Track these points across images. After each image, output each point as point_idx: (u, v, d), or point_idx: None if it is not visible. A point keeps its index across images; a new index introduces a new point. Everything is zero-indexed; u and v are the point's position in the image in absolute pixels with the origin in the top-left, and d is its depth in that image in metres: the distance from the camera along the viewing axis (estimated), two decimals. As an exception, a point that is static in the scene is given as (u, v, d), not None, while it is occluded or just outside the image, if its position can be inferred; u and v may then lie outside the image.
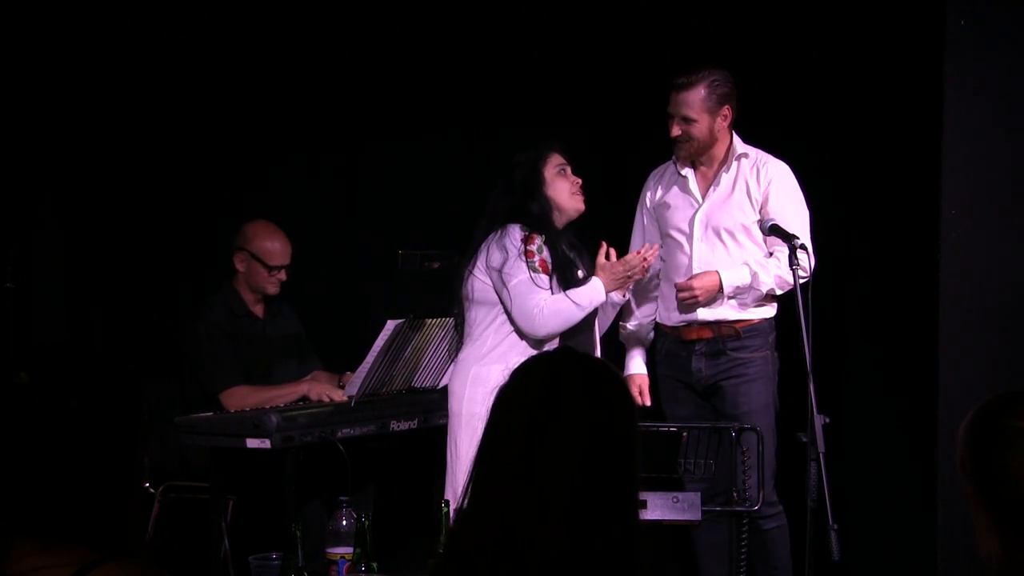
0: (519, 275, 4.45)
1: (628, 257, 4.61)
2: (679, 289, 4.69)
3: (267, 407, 4.78)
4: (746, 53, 5.41)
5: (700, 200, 4.80)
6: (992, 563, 1.87)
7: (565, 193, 4.61)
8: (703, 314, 4.72)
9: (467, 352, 4.59)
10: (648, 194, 4.95)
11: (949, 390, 4.71)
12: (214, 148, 5.77)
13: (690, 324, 4.77)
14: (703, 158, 4.80)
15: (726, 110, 4.76)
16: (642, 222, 4.96)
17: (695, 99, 4.72)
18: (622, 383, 1.87)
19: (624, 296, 4.72)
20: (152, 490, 4.92)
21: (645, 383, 4.91)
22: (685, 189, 4.83)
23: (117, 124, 5.57)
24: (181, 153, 5.72)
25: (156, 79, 5.61)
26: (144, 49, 5.56)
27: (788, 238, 4.40)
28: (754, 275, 4.70)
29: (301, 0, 5.81)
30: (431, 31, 5.80)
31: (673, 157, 4.87)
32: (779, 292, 4.73)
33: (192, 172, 5.76)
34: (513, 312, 4.48)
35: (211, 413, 4.77)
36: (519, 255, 4.47)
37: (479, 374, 4.50)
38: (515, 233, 4.51)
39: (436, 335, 4.81)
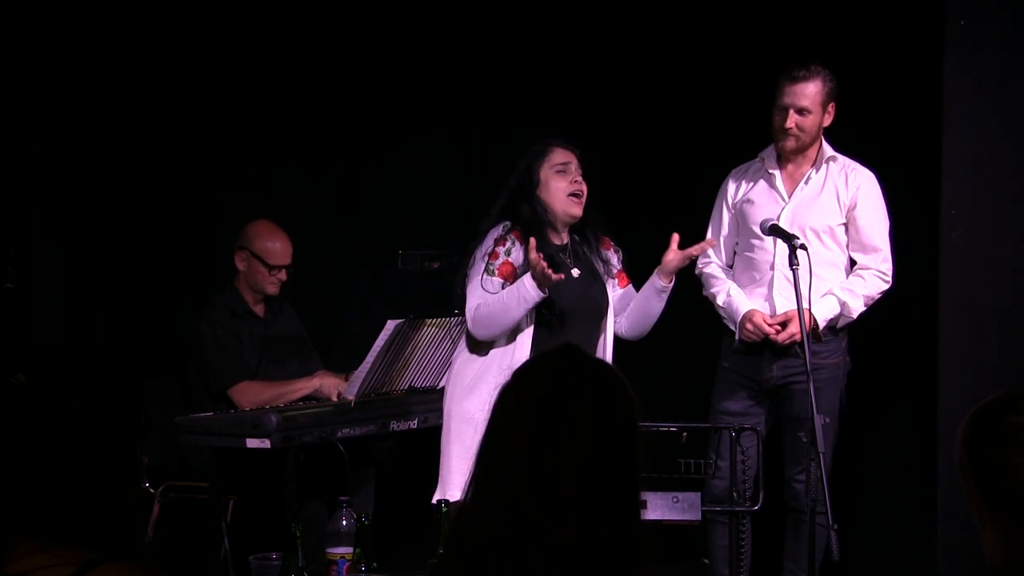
0: (475, 277, 4.48)
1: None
2: (780, 340, 4.63)
3: (267, 407, 4.78)
4: (746, 54, 5.41)
5: (787, 198, 4.77)
6: (996, 562, 1.87)
7: (560, 195, 4.52)
8: (782, 310, 4.69)
9: (455, 353, 4.63)
10: (730, 191, 4.89)
11: (949, 390, 4.71)
12: (214, 148, 5.77)
13: None
14: (795, 157, 4.78)
15: (831, 108, 4.75)
16: (722, 218, 4.89)
17: (813, 91, 4.69)
18: (624, 381, 1.88)
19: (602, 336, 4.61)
20: (152, 490, 4.92)
21: (762, 315, 4.71)
22: (772, 186, 4.80)
23: (117, 124, 5.56)
24: (181, 153, 5.72)
25: (156, 78, 5.60)
26: (144, 48, 5.56)
27: (788, 237, 4.40)
28: (843, 304, 4.69)
29: (303, 0, 5.80)
30: (432, 31, 5.80)
31: (760, 155, 4.84)
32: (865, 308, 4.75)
33: (192, 172, 5.76)
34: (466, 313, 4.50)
35: (211, 413, 4.77)
36: (483, 256, 4.48)
37: (455, 371, 4.57)
38: (492, 234, 4.50)
39: (436, 335, 4.81)
